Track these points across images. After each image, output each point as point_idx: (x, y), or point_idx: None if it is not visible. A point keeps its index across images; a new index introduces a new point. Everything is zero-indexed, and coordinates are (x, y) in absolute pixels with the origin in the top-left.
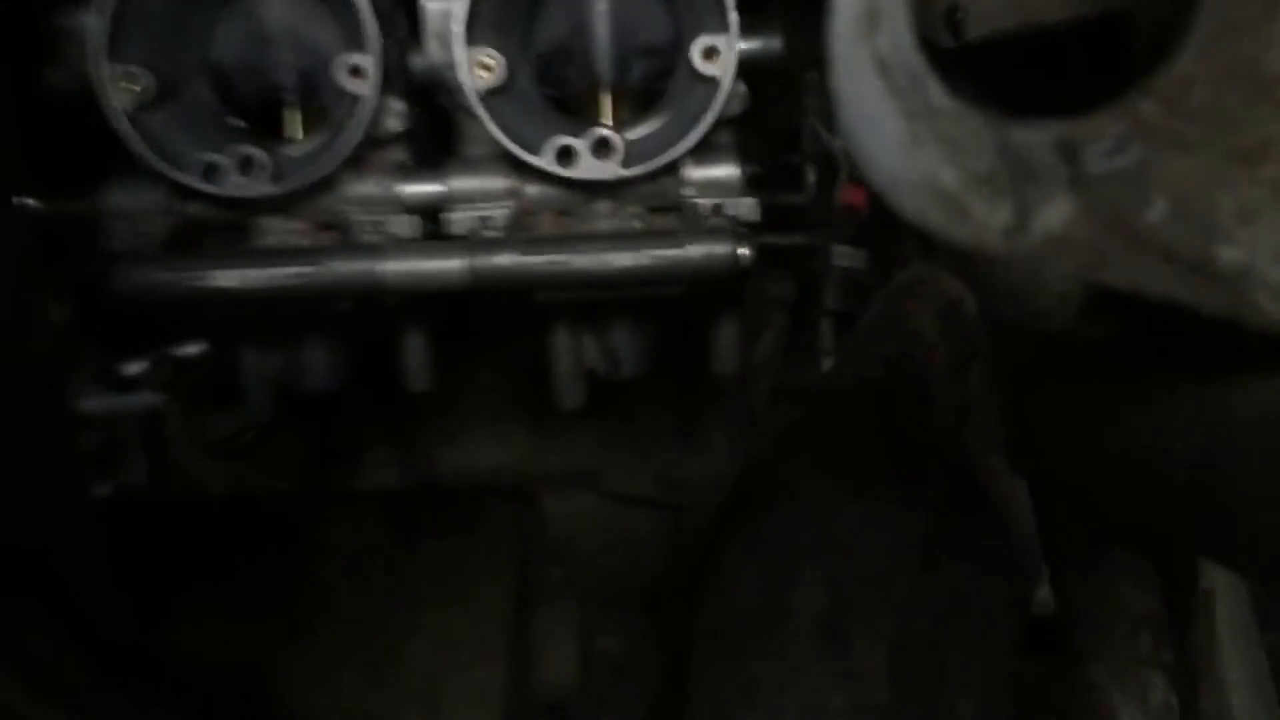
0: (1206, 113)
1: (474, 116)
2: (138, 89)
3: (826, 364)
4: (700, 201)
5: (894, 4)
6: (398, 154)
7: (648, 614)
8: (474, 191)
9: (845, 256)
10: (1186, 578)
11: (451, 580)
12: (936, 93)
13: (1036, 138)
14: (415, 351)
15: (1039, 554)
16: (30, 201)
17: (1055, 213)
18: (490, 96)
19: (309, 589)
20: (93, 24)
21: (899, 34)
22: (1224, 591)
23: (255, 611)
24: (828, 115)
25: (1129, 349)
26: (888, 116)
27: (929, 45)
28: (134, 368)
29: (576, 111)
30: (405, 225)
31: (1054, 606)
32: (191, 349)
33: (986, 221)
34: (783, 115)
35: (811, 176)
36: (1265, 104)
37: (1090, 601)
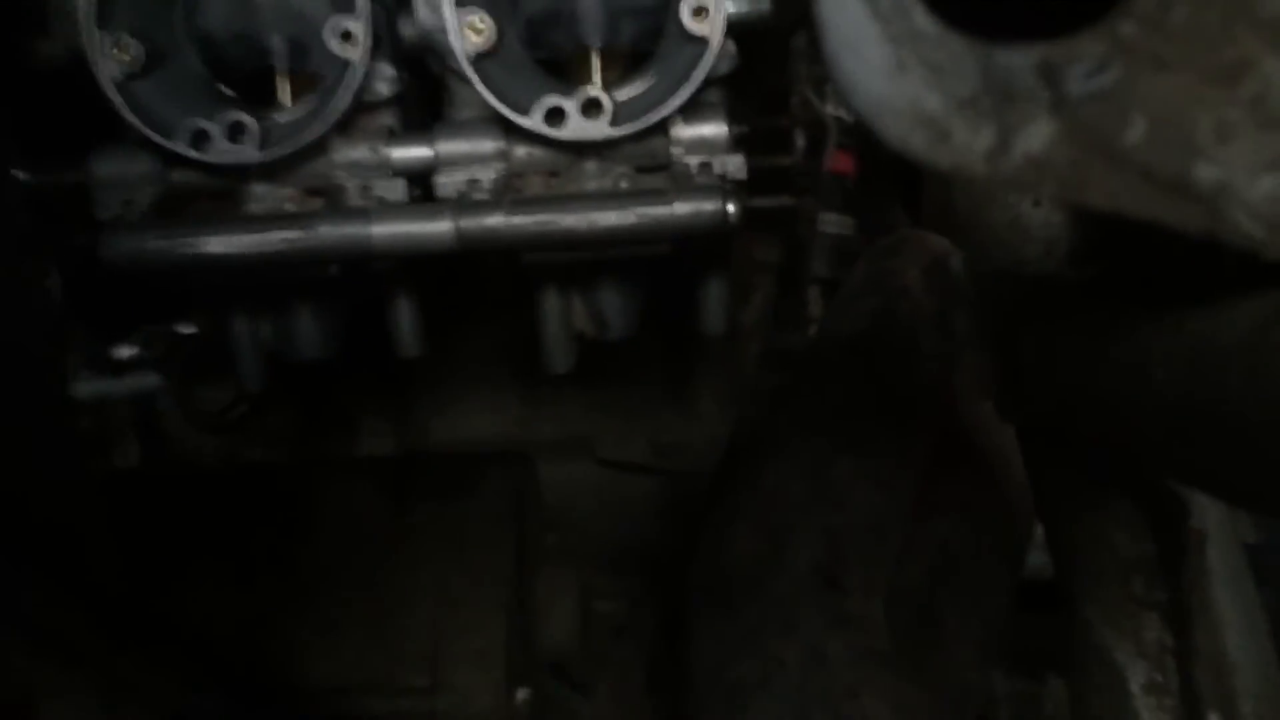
0: (1185, 32)
1: (464, 80)
2: (126, 58)
3: (815, 330)
4: (688, 160)
5: None
6: (387, 118)
7: (645, 577)
8: (463, 154)
9: (833, 224)
10: (1176, 518)
11: (450, 543)
12: (920, 17)
13: (1019, 61)
14: (406, 316)
15: (1031, 503)
16: (20, 174)
17: (1036, 135)
18: (480, 59)
19: (307, 553)
20: None
21: None
22: (1216, 531)
23: (254, 577)
24: (817, 81)
25: (1113, 285)
26: (871, 41)
27: None
28: (125, 351)
29: (565, 73)
30: (394, 189)
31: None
32: (183, 326)
33: (969, 145)
34: (772, 79)
35: (800, 141)
36: (1243, 22)
37: (1081, 545)
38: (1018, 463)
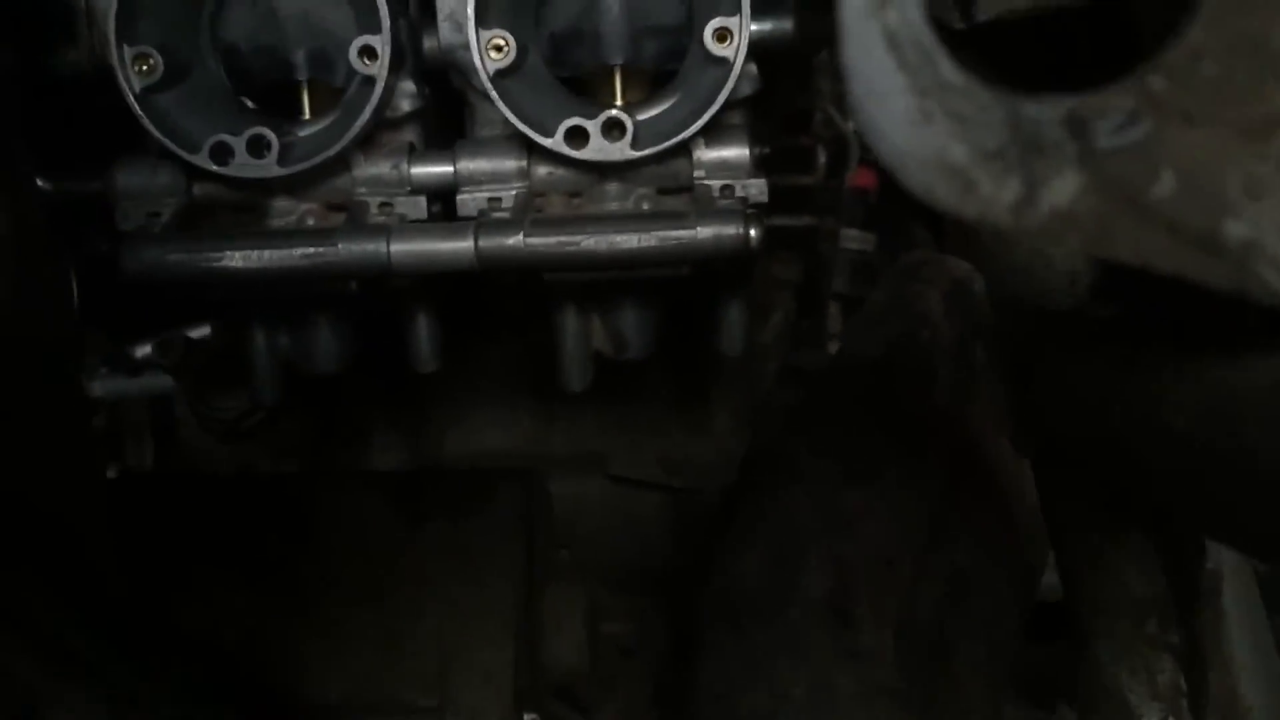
0: (1215, 87)
1: (485, 98)
2: (148, 69)
3: (834, 347)
4: (710, 182)
5: None
6: (409, 135)
7: (654, 597)
8: (484, 173)
9: (854, 240)
10: (1192, 558)
11: (459, 560)
12: (946, 68)
13: (1046, 113)
14: (424, 333)
15: (1045, 535)
16: (41, 183)
17: (1063, 187)
18: (501, 77)
19: (315, 567)
20: (103, 4)
21: (909, 9)
22: (1231, 572)
23: (263, 589)
24: (840, 98)
25: (1135, 326)
26: (897, 91)
27: (939, 25)
28: (142, 351)
29: (587, 92)
30: (415, 206)
31: (1062, 591)
32: (200, 330)
33: (995, 197)
34: (794, 97)
35: (822, 158)
36: (1274, 79)
37: (1096, 584)
38: (1031, 491)
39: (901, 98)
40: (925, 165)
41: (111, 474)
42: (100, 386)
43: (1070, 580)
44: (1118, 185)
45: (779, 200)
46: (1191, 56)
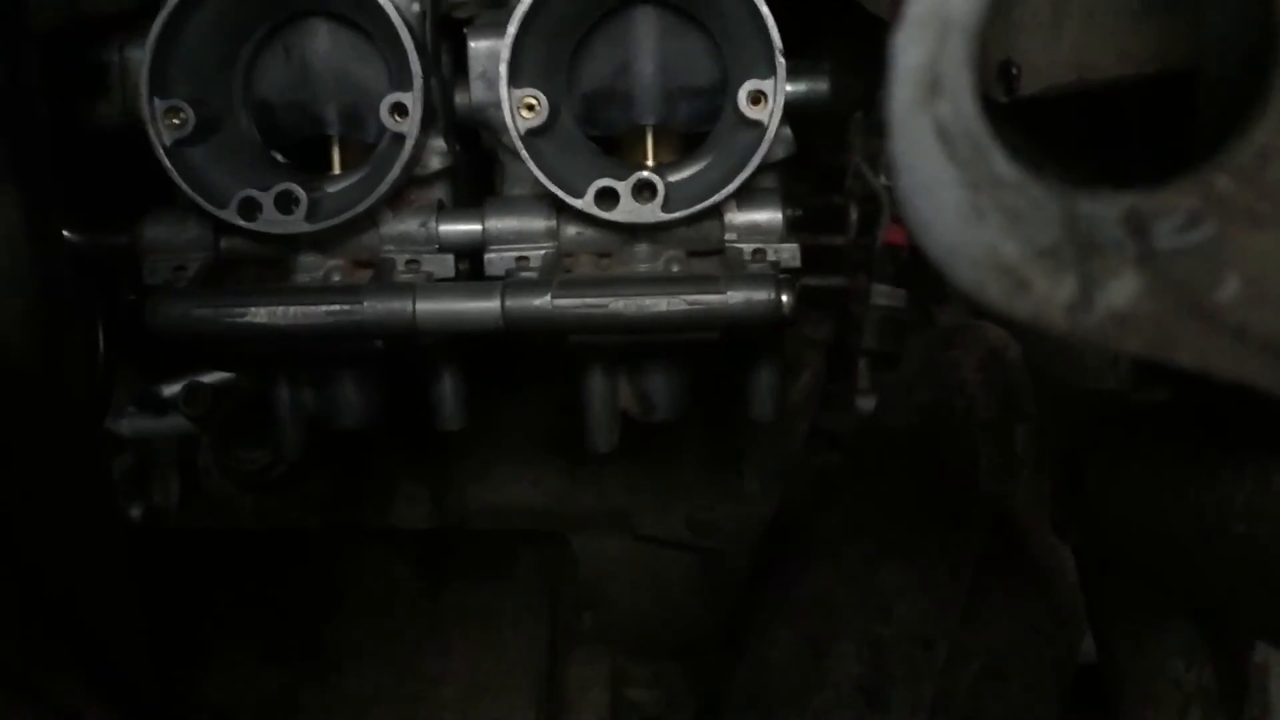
0: None
1: (516, 156)
2: (180, 122)
3: (863, 404)
4: (741, 246)
5: (957, 70)
6: (437, 192)
7: (680, 661)
8: (512, 232)
9: (884, 295)
10: (1240, 650)
11: (482, 626)
12: (1000, 162)
13: (1103, 210)
14: (449, 391)
15: (1081, 617)
16: (70, 234)
17: (1122, 289)
18: (533, 136)
19: (338, 630)
20: (137, 58)
21: (962, 101)
22: (1278, 664)
23: (283, 651)
24: (872, 154)
25: (1186, 417)
26: (948, 186)
27: (986, 102)
28: (170, 391)
29: (619, 152)
30: (442, 265)
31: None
32: (226, 376)
33: (1049, 297)
34: (827, 155)
35: (854, 215)
36: None
37: (1140, 672)
38: (1068, 569)
39: (952, 192)
40: (976, 263)
41: (137, 512)
42: (127, 426)
43: (1111, 666)
44: (1180, 288)
45: (810, 260)
46: (1261, 155)
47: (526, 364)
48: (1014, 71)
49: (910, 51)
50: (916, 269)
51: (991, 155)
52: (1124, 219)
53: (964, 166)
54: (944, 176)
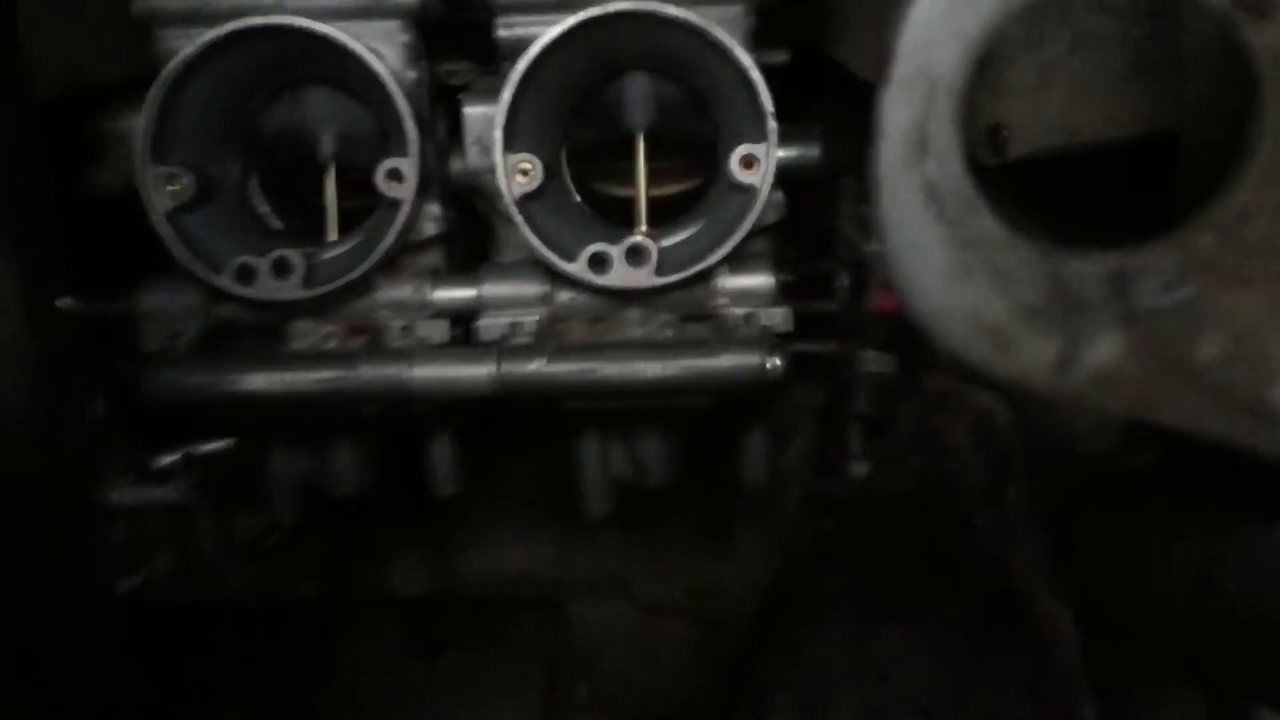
0: (1266, 247)
1: (510, 221)
2: (178, 190)
3: (856, 469)
4: (733, 311)
5: (944, 131)
6: (432, 258)
7: None
8: (506, 298)
9: (875, 361)
10: (1239, 710)
11: (476, 695)
12: (987, 221)
13: (1089, 269)
14: (443, 457)
15: (1083, 680)
16: (68, 301)
17: (1105, 347)
18: (526, 201)
19: (332, 697)
20: (135, 126)
21: (949, 160)
22: None
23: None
24: (862, 220)
25: (1175, 480)
26: (935, 245)
27: (972, 163)
28: (164, 461)
29: (612, 216)
30: (436, 330)
31: None
32: (221, 445)
33: (1034, 356)
34: (816, 220)
35: (844, 281)
36: None
37: None
38: (1071, 638)
39: (940, 251)
40: (962, 322)
41: (128, 585)
42: (120, 496)
43: None
44: (1163, 347)
45: (801, 326)
46: (1241, 215)
47: (522, 430)
48: (1003, 134)
49: (898, 111)
50: (906, 335)
51: (979, 214)
52: (1108, 277)
53: (951, 225)
54: (932, 235)
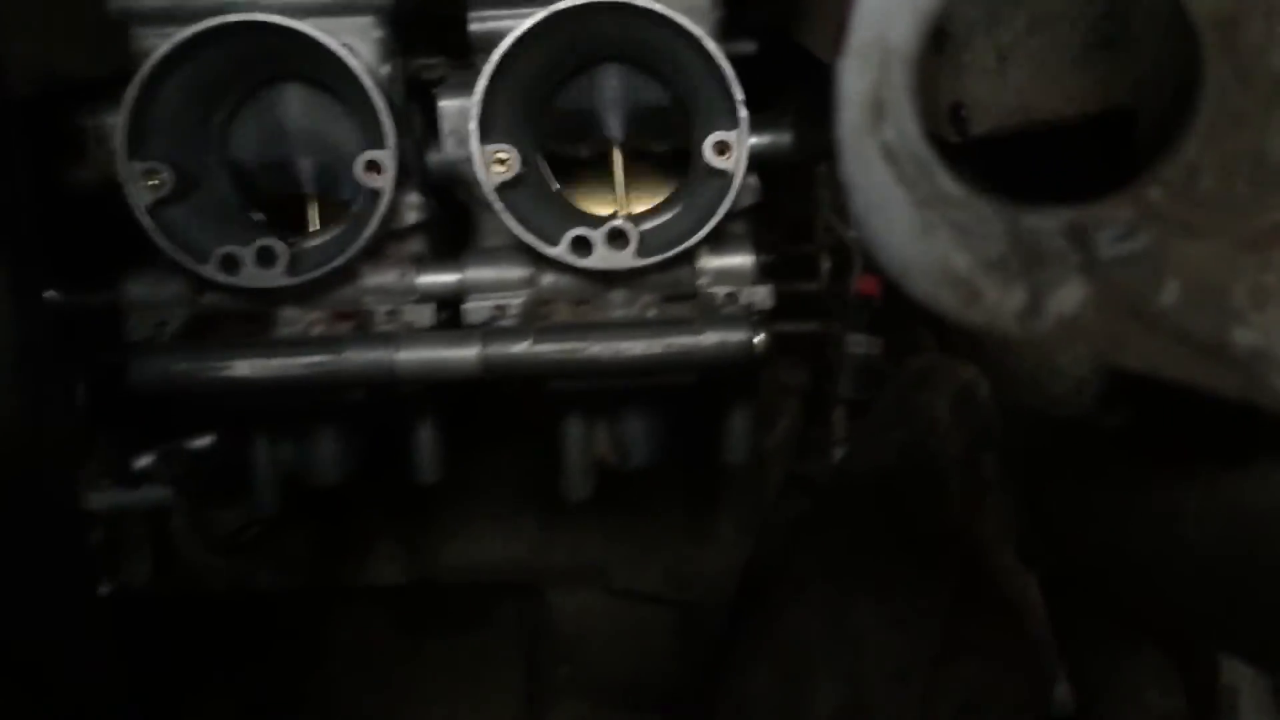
0: (1214, 199)
1: (490, 209)
2: (158, 184)
3: (839, 453)
4: (714, 290)
5: (898, 95)
6: (415, 245)
7: (659, 714)
8: (490, 281)
9: (860, 344)
10: (1209, 674)
11: (459, 680)
12: (945, 180)
13: (1046, 223)
14: (426, 443)
15: (1055, 649)
16: (51, 294)
17: (1068, 296)
18: (505, 189)
19: (316, 688)
20: (115, 123)
21: (905, 124)
22: (1248, 687)
23: (264, 710)
24: (841, 206)
25: (1145, 438)
26: (897, 204)
27: (935, 140)
28: (143, 462)
29: (586, 174)
30: (422, 315)
31: (1073, 705)
32: (202, 441)
33: (1000, 305)
34: (797, 207)
35: (825, 265)
36: (1273, 190)
37: (1112, 702)
38: (1041, 604)
39: (902, 210)
40: (929, 275)
41: (106, 589)
42: (99, 499)
43: (1085, 697)
44: (1123, 294)
45: (784, 307)
46: (1189, 170)
47: (502, 420)
48: (964, 114)
49: (855, 79)
50: (890, 318)
51: (937, 174)
52: (1066, 230)
53: (911, 185)
54: (893, 195)
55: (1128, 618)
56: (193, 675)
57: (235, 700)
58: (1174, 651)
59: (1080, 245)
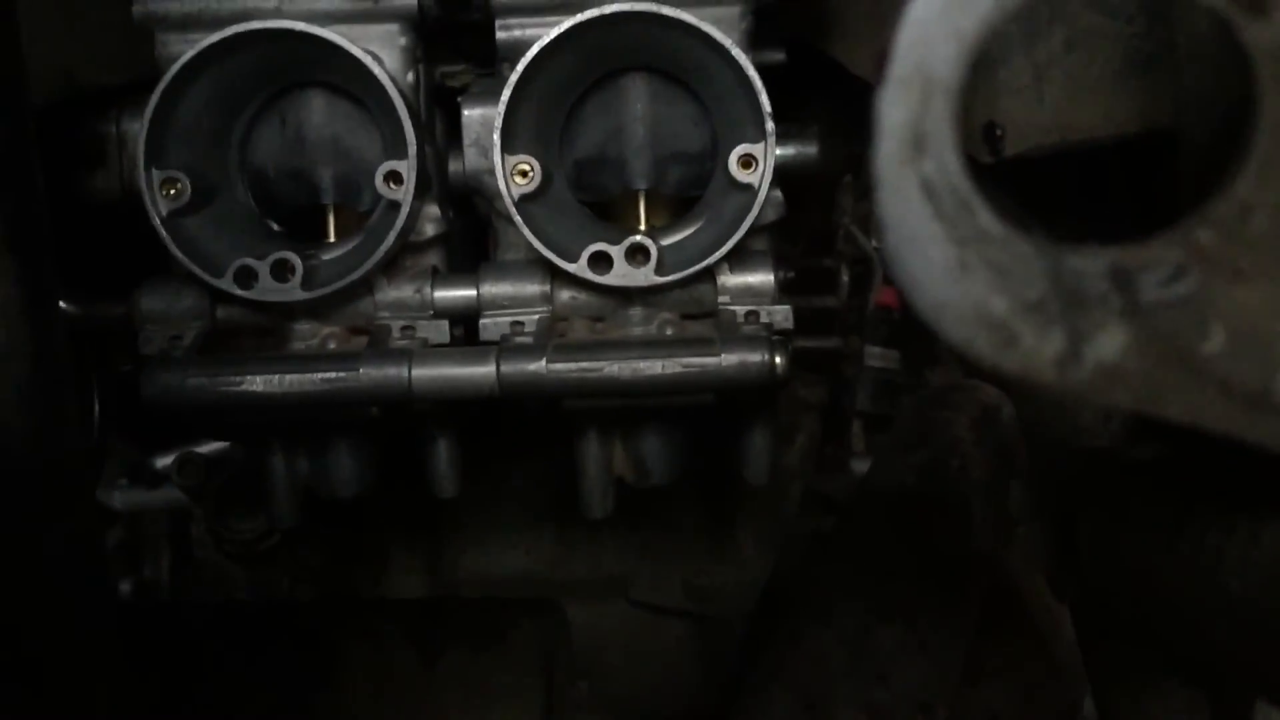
0: (1265, 241)
1: (509, 222)
2: (176, 193)
3: (858, 466)
4: (735, 308)
5: (940, 128)
6: (432, 258)
7: None
8: (507, 297)
9: (878, 357)
10: (1240, 712)
11: (476, 696)
12: (985, 218)
13: (1089, 265)
14: (444, 457)
15: (1081, 676)
16: (66, 305)
17: (1109, 342)
18: (526, 202)
19: (331, 701)
20: (134, 130)
21: (946, 158)
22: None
23: None
24: (862, 217)
25: (1178, 475)
26: (935, 241)
27: (970, 161)
28: (162, 462)
29: (612, 217)
30: (437, 330)
31: None
32: (218, 447)
33: (1037, 351)
34: (818, 218)
35: (845, 278)
36: None
37: None
38: (1068, 627)
39: (939, 247)
40: (964, 317)
41: (127, 587)
42: (120, 498)
43: None
44: (1166, 341)
45: (803, 322)
46: (1241, 210)
47: (521, 431)
48: (998, 133)
49: (895, 110)
50: (909, 331)
51: (977, 210)
52: (1109, 273)
53: (950, 222)
54: (930, 232)
55: (1160, 653)
56: (204, 683)
57: (246, 708)
58: (1205, 685)
59: (1123, 288)
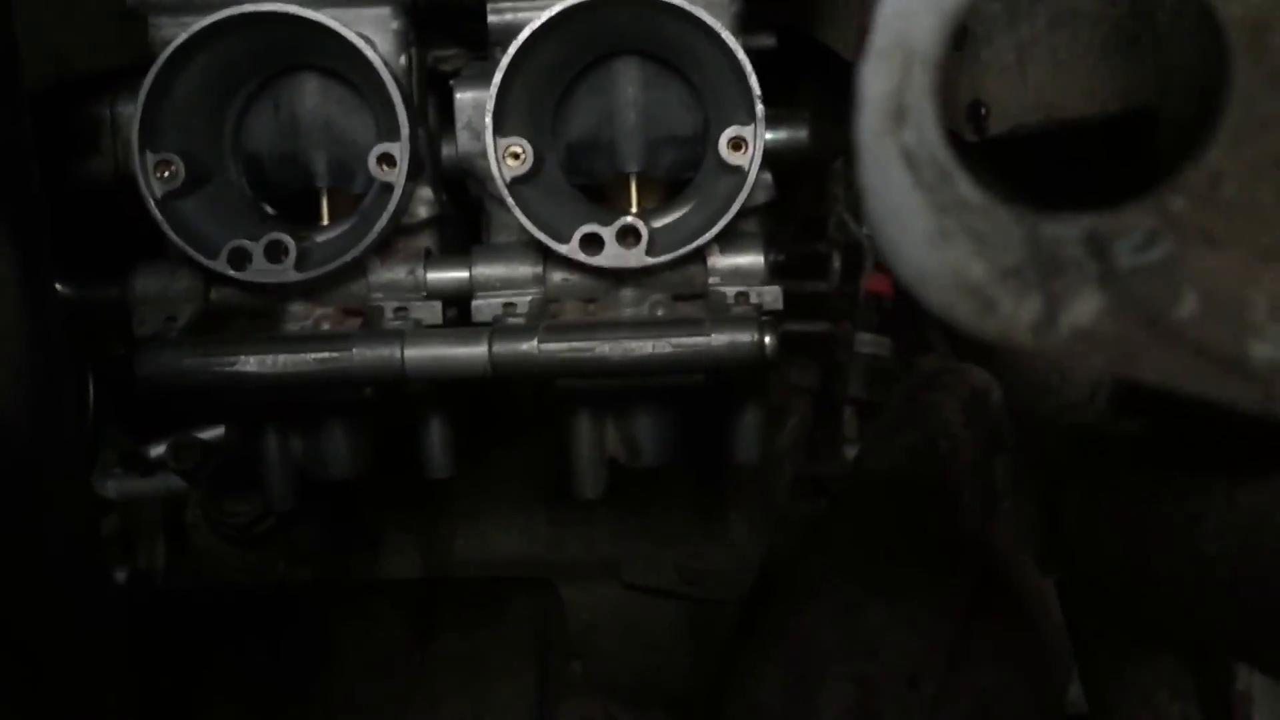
0: (1236, 208)
1: (502, 204)
2: (170, 175)
3: (849, 452)
4: (725, 289)
5: (921, 99)
6: (425, 240)
7: (670, 710)
8: (499, 279)
9: (869, 344)
10: (1222, 681)
11: (471, 675)
12: (964, 186)
13: (1065, 231)
14: (437, 439)
15: (1069, 654)
16: (62, 288)
17: (1084, 307)
18: (518, 185)
19: (328, 682)
20: (128, 113)
21: (926, 128)
22: (1261, 695)
23: (274, 705)
24: (854, 204)
25: (1160, 446)
26: (915, 210)
27: (954, 139)
28: (157, 450)
29: (603, 199)
30: (430, 311)
31: (1086, 706)
32: (214, 431)
33: (1014, 315)
34: (809, 203)
35: (837, 264)
36: None
37: (1125, 706)
38: (1055, 608)
39: (920, 216)
40: (944, 284)
41: (122, 575)
42: (114, 487)
43: (1098, 702)
44: (1140, 305)
45: (794, 306)
46: (1212, 178)
47: (514, 413)
48: (983, 111)
49: (876, 81)
50: (901, 318)
51: (956, 179)
52: (1084, 239)
53: (930, 191)
54: (911, 201)
55: (1143, 625)
56: (201, 666)
57: (243, 694)
58: (1188, 657)
59: (1098, 254)
